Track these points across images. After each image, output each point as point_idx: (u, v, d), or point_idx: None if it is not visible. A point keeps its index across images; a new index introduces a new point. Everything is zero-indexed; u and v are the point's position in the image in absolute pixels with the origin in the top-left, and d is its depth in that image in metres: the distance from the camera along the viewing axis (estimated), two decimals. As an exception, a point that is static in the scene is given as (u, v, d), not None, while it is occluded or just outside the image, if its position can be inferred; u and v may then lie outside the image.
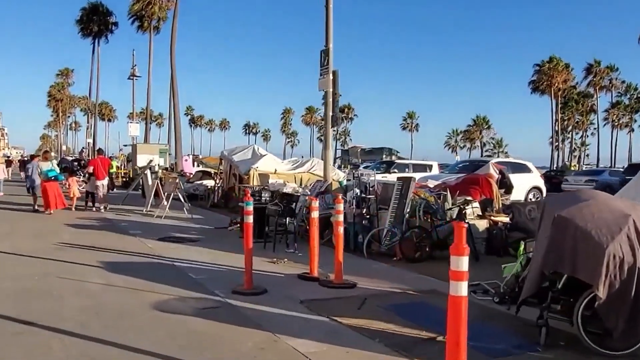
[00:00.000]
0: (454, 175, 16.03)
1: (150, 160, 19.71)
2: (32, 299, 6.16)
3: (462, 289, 3.26)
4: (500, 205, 10.75)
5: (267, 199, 11.09)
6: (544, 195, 19.31)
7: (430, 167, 23.22)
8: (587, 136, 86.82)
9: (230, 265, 8.35)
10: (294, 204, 10.74)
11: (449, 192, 10.25)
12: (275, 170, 16.27)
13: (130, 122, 42.49)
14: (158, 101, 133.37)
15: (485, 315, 5.89)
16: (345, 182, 15.22)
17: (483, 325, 5.58)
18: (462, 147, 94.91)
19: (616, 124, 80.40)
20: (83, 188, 17.76)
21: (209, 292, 6.58)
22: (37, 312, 5.55)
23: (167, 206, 15.08)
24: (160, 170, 18.75)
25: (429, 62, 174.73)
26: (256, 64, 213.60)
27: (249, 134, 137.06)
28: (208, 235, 11.68)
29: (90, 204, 16.95)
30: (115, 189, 23.90)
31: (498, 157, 60.24)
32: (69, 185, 17.93)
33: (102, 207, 16.53)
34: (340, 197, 7.57)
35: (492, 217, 10.00)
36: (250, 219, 6.72)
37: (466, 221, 9.34)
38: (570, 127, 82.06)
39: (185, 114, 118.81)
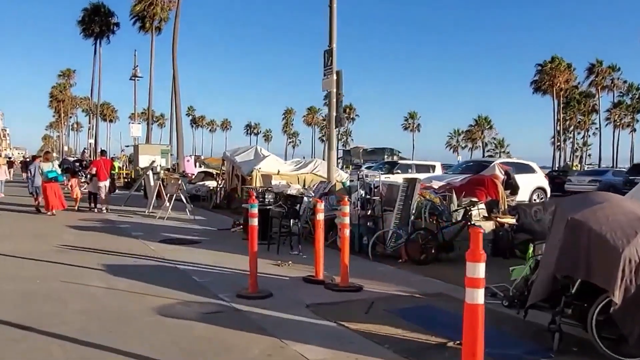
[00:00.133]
0: (458, 176, 15.91)
1: (153, 161, 19.66)
2: (33, 302, 6.05)
3: (478, 296, 3.14)
4: (506, 207, 10.63)
5: (271, 200, 10.97)
6: (549, 195, 19.20)
7: (434, 167, 23.08)
8: (589, 136, 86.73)
9: (234, 267, 8.24)
10: (298, 205, 10.62)
11: (454, 193, 10.13)
12: (278, 171, 16.16)
13: (132, 123, 42.42)
14: (159, 102, 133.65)
15: (494, 319, 5.76)
16: (348, 183, 15.13)
17: (493, 329, 5.47)
18: (464, 148, 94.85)
19: (618, 123, 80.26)
20: (85, 189, 17.66)
21: (213, 295, 6.47)
22: (37, 316, 5.44)
23: (170, 207, 14.97)
24: (162, 171, 18.66)
25: (431, 62, 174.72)
26: (257, 64, 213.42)
27: (251, 134, 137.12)
28: (211, 237, 11.58)
29: (92, 205, 16.88)
30: (117, 190, 23.78)
31: (500, 157, 60.15)
32: (71, 186, 17.88)
33: (103, 208, 16.47)
34: (346, 199, 7.44)
35: (498, 219, 9.88)
36: (255, 222, 6.60)
37: (472, 222, 9.26)
38: (572, 127, 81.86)
39: (186, 114, 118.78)
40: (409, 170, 21.57)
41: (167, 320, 5.43)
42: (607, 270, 4.39)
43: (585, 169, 54.81)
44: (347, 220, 7.16)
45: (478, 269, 3.13)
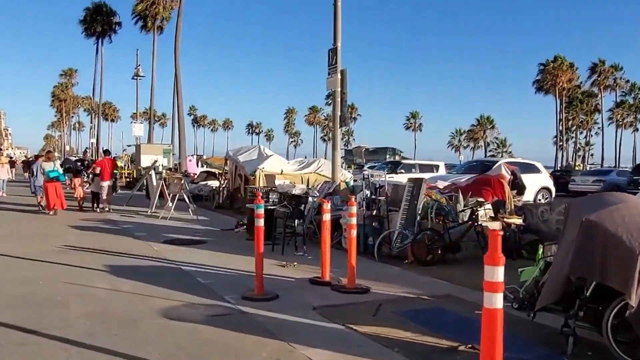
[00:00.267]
0: (462, 176, 15.82)
1: (155, 161, 19.58)
2: (36, 304, 5.96)
3: (497, 300, 3.04)
4: (513, 207, 10.52)
5: (275, 200, 10.88)
6: (554, 196, 19.09)
7: (437, 167, 22.98)
8: (591, 136, 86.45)
9: (239, 269, 8.15)
10: (303, 205, 10.52)
11: (460, 194, 10.03)
12: (282, 171, 16.05)
13: (134, 122, 42.36)
14: (161, 101, 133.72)
15: (505, 322, 5.66)
16: (352, 183, 15.04)
17: (504, 333, 5.37)
18: (466, 147, 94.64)
19: (620, 123, 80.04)
20: (87, 188, 17.59)
21: (218, 297, 6.37)
22: (41, 319, 5.35)
23: (172, 207, 14.88)
24: (164, 171, 18.58)
25: (433, 62, 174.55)
26: (259, 64, 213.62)
27: (252, 133, 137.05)
28: (214, 238, 11.50)
29: (94, 204, 16.82)
30: (119, 190, 23.73)
31: (502, 157, 60.02)
32: (74, 185, 17.85)
33: (106, 208, 16.42)
34: (353, 199, 7.34)
35: (505, 219, 9.76)
36: (261, 223, 6.50)
37: (478, 223, 9.16)
38: (574, 127, 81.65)
39: (188, 113, 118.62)
40: (413, 170, 21.47)
41: (173, 323, 5.33)
42: (623, 273, 4.29)
43: (588, 168, 54.68)
44: (354, 220, 7.05)
45: (497, 273, 3.03)
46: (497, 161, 17.88)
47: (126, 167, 34.14)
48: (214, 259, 8.87)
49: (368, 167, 31.27)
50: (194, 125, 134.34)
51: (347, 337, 5.03)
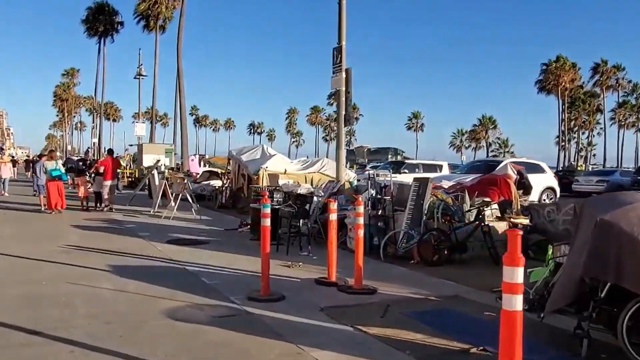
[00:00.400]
0: (467, 176, 15.72)
1: (158, 160, 19.50)
2: (40, 305, 5.88)
3: (517, 302, 2.95)
4: (519, 207, 10.43)
5: (280, 200, 10.80)
6: (558, 195, 18.98)
7: (441, 167, 22.88)
8: (594, 136, 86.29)
9: (243, 269, 8.07)
10: (308, 205, 10.44)
11: (466, 193, 9.94)
12: (285, 171, 15.97)
13: (136, 122, 42.29)
14: (162, 101, 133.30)
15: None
16: (355, 183, 14.96)
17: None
18: (467, 147, 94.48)
19: (623, 123, 79.98)
20: (90, 188, 17.54)
21: (224, 298, 6.29)
22: (45, 320, 5.27)
23: (175, 207, 14.81)
24: (166, 171, 18.52)
25: (435, 62, 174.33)
26: (261, 64, 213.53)
27: (254, 133, 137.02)
28: (218, 237, 11.42)
29: (97, 204, 16.78)
30: (122, 190, 23.68)
31: (504, 157, 59.86)
32: (77, 185, 17.83)
33: (107, 208, 16.37)
34: (360, 198, 7.26)
35: (512, 219, 9.67)
36: (267, 222, 6.42)
37: (485, 223, 9.07)
38: (576, 127, 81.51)
39: (190, 113, 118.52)
40: (416, 170, 21.36)
41: (179, 324, 5.24)
42: (639, 274, 4.21)
43: (590, 169, 54.50)
44: (361, 220, 6.97)
45: (517, 273, 2.93)
46: (502, 161, 17.77)
47: (128, 167, 34.10)
48: (218, 259, 8.79)
49: (370, 167, 31.25)
50: (195, 125, 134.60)
51: (356, 339, 4.95)
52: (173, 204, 15.00)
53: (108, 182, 16.45)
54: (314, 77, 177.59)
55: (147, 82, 46.56)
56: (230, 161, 19.65)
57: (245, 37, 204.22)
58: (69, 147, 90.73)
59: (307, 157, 29.22)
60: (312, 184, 14.81)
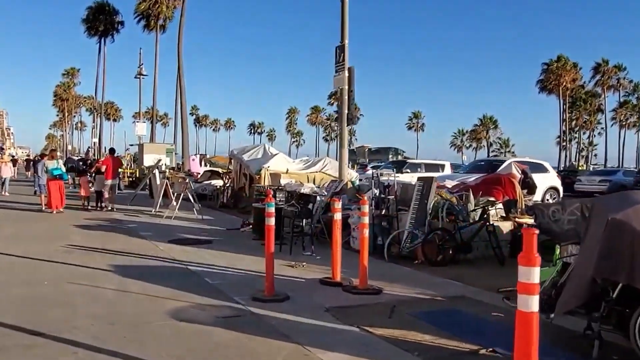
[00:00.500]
0: (470, 175, 15.64)
1: (159, 160, 19.44)
2: (42, 306, 5.80)
3: (533, 303, 2.88)
4: (524, 206, 10.36)
5: (282, 199, 10.73)
6: (561, 195, 18.91)
7: (443, 166, 22.79)
8: (595, 136, 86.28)
9: (247, 269, 8.01)
10: (311, 204, 10.37)
11: (471, 193, 9.87)
12: (287, 170, 15.89)
13: (137, 122, 42.21)
14: (163, 101, 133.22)
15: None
16: (357, 182, 14.89)
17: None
18: (468, 147, 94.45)
19: (624, 123, 79.93)
20: (91, 187, 17.49)
21: (228, 298, 6.22)
22: (48, 321, 5.20)
23: (177, 207, 14.75)
24: (167, 170, 18.46)
25: (435, 61, 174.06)
26: (261, 64, 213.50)
27: (254, 133, 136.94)
28: (220, 237, 11.35)
29: (98, 203, 16.73)
30: (123, 189, 23.62)
31: (505, 156, 59.77)
32: (80, 184, 17.81)
33: (109, 207, 16.32)
34: (365, 198, 7.19)
35: (517, 219, 9.62)
36: (272, 222, 6.34)
37: (490, 223, 9.00)
38: (577, 127, 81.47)
39: (190, 113, 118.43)
40: (418, 170, 21.28)
41: (184, 325, 5.17)
42: (653, 274, 4.14)
43: (591, 169, 54.42)
44: (367, 220, 6.91)
45: (533, 274, 2.87)
46: (505, 160, 17.72)
47: (128, 167, 34.04)
48: (221, 259, 8.73)
49: (371, 167, 31.16)
50: (196, 125, 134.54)
51: (364, 340, 4.88)
52: (175, 203, 14.95)
53: (109, 182, 16.40)
54: (315, 77, 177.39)
55: (147, 82, 46.55)
56: (232, 161, 19.58)
57: (246, 36, 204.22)
58: (69, 147, 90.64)
59: (308, 156, 29.13)
60: (314, 184, 14.74)
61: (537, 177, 16.12)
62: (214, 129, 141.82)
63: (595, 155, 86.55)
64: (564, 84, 67.57)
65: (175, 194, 15.27)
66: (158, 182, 17.39)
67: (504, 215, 9.79)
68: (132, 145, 41.99)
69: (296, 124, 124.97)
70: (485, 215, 9.08)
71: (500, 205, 9.81)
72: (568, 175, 26.47)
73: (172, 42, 36.39)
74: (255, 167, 16.22)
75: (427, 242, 8.78)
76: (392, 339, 4.87)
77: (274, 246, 6.52)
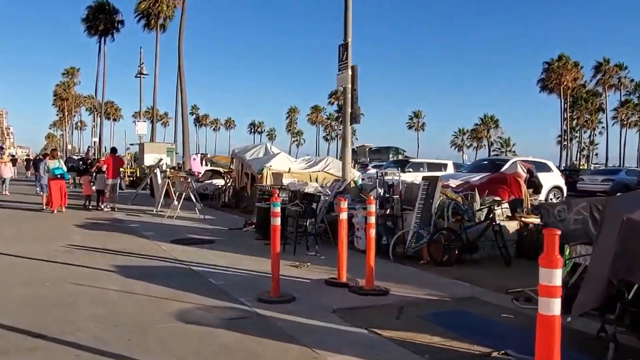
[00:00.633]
0: (474, 175, 15.54)
1: (160, 159, 19.36)
2: (44, 307, 5.71)
3: (554, 306, 2.78)
4: (529, 206, 10.27)
5: (285, 199, 10.64)
6: (565, 194, 18.81)
7: (445, 166, 22.66)
8: (595, 135, 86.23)
9: (251, 269, 7.91)
10: (315, 204, 10.27)
11: (477, 192, 9.78)
12: (289, 170, 15.78)
13: (138, 121, 42.07)
14: (163, 101, 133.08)
15: (533, 325, 5.41)
16: (360, 182, 14.78)
17: (534, 336, 5.13)
18: (469, 147, 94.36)
19: (625, 122, 79.85)
20: (93, 187, 17.41)
21: (233, 299, 6.12)
22: (50, 323, 5.10)
23: (179, 206, 14.65)
24: (168, 170, 18.38)
25: (436, 61, 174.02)
26: (261, 63, 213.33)
27: (254, 133, 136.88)
28: (223, 237, 11.25)
29: (99, 203, 16.63)
30: (125, 188, 23.52)
31: (506, 156, 59.67)
32: (82, 183, 17.74)
33: (109, 207, 16.22)
34: (371, 197, 7.09)
35: (523, 218, 9.52)
36: (277, 222, 6.24)
37: (497, 222, 8.91)
38: (578, 126, 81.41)
39: (190, 113, 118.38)
40: (421, 169, 21.16)
41: (189, 327, 5.07)
42: (670, 275, 4.04)
43: (592, 168, 54.34)
44: (373, 219, 6.80)
45: (554, 276, 2.77)
46: (508, 160, 17.60)
47: (129, 167, 33.95)
48: (224, 259, 8.63)
49: (372, 166, 31.06)
50: (196, 125, 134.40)
51: (372, 342, 4.78)
52: (176, 203, 14.85)
53: (109, 181, 16.31)
54: (315, 76, 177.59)
55: (147, 81, 46.45)
56: (234, 160, 19.49)
57: (246, 36, 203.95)
58: (69, 147, 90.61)
59: (308, 155, 29.02)
60: (316, 183, 14.64)
61: (540, 177, 16.05)
62: (214, 129, 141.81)
63: (596, 154, 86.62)
64: (565, 83, 67.48)
65: (177, 194, 15.17)
66: (159, 181, 17.30)
67: (510, 214, 9.69)
68: (132, 144, 41.98)
69: (296, 123, 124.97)
70: (491, 215, 8.99)
71: (506, 205, 9.72)
72: (570, 174, 26.36)
73: (172, 41, 36.33)
74: (257, 166, 16.11)
75: (433, 242, 8.67)
76: (401, 341, 4.78)
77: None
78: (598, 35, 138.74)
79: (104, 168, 16.41)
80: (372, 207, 6.84)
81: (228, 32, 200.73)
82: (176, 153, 34.39)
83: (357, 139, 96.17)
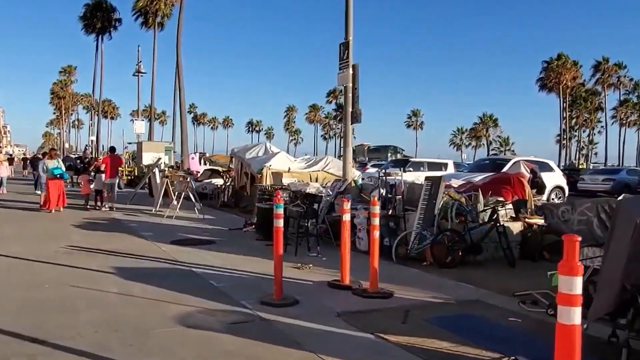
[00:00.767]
0: (476, 174, 15.44)
1: (159, 159, 19.23)
2: (43, 311, 5.59)
3: (575, 315, 2.67)
4: (533, 206, 10.17)
5: (286, 199, 10.53)
6: (567, 194, 18.72)
7: (446, 165, 22.53)
8: (595, 134, 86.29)
9: (252, 270, 7.80)
10: (316, 205, 10.16)
11: (480, 193, 9.67)
12: (289, 169, 15.67)
13: (136, 120, 41.91)
14: (160, 99, 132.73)
15: (543, 329, 5.34)
16: (360, 181, 14.67)
17: (545, 341, 5.03)
18: (467, 146, 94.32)
19: (624, 121, 79.94)
20: (92, 186, 17.28)
21: (235, 302, 6.00)
22: (50, 327, 4.98)
23: (178, 206, 14.53)
24: (167, 169, 18.24)
25: (434, 59, 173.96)
26: (259, 62, 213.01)
27: (252, 131, 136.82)
28: (223, 237, 11.13)
29: (98, 203, 16.50)
30: (123, 187, 23.40)
31: (504, 155, 59.61)
32: (82, 183, 17.63)
33: (108, 206, 16.10)
34: (375, 198, 6.98)
35: (527, 219, 9.43)
36: (280, 223, 6.12)
37: (500, 223, 8.81)
38: (577, 125, 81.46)
39: (188, 111, 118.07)
40: (421, 168, 21.06)
41: (191, 331, 4.96)
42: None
43: (591, 167, 54.32)
44: (377, 221, 6.70)
45: (575, 284, 2.66)
46: (510, 159, 17.49)
47: (127, 165, 33.79)
48: (225, 260, 8.52)
49: (371, 165, 30.94)
50: (193, 123, 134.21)
51: (379, 348, 4.68)
52: (175, 202, 14.73)
53: (107, 180, 16.19)
54: (313, 75, 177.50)
55: (144, 80, 46.28)
56: (233, 159, 19.37)
57: (244, 34, 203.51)
58: (67, 145, 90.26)
59: (306, 154, 28.89)
60: (316, 183, 14.52)
61: (543, 177, 15.97)
62: (211, 127, 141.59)
63: (596, 153, 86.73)
64: (564, 82, 67.48)
65: (177, 193, 15.05)
66: (158, 181, 17.17)
67: (514, 215, 9.59)
68: (130, 143, 41.74)
69: (294, 122, 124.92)
70: (495, 216, 8.89)
71: (510, 206, 9.62)
72: (570, 174, 26.26)
73: (171, 40, 36.23)
74: (257, 166, 15.99)
75: (436, 243, 8.58)
76: (409, 347, 4.67)
77: (280, 247, 6.31)
78: (597, 34, 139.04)
79: (103, 167, 16.28)
80: (376, 209, 6.74)
81: (225, 31, 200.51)
82: (174, 152, 34.24)
83: (355, 137, 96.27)
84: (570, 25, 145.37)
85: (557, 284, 6.10)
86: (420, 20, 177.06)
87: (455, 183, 12.44)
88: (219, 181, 20.48)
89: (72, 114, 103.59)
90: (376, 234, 6.64)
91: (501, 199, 9.76)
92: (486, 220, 9.09)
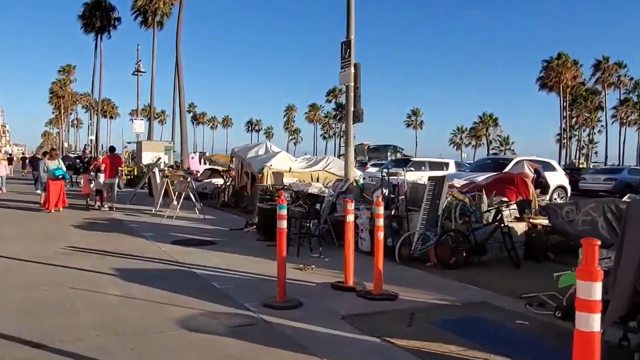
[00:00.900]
0: (478, 174, 15.35)
1: (159, 158, 19.13)
2: (42, 313, 5.49)
3: (594, 322, 2.57)
4: (537, 206, 10.07)
5: (288, 199, 10.42)
6: (569, 194, 18.61)
7: (447, 165, 22.38)
8: (595, 133, 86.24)
9: (254, 272, 7.70)
10: (319, 205, 10.05)
11: (484, 193, 9.57)
12: (290, 169, 15.55)
13: (135, 119, 41.78)
14: (159, 98, 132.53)
15: (550, 332, 5.26)
16: (362, 181, 14.59)
17: (552, 344, 4.95)
18: (467, 145, 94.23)
19: (624, 121, 79.88)
20: (93, 186, 17.18)
21: (237, 305, 5.90)
22: (49, 330, 4.89)
23: (178, 206, 14.43)
24: (166, 169, 18.14)
25: (434, 59, 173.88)
26: (259, 61, 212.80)
27: (252, 131, 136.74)
28: (224, 238, 11.03)
29: (99, 203, 16.41)
30: (123, 187, 23.29)
31: (504, 154, 59.56)
32: (82, 183, 17.56)
33: (107, 206, 16.01)
34: (379, 199, 6.88)
35: (531, 220, 9.33)
36: (283, 224, 6.03)
37: (504, 224, 8.71)
38: (578, 125, 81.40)
39: (187, 111, 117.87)
40: (422, 168, 20.92)
41: (194, 335, 4.86)
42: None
43: (592, 166, 54.24)
44: (381, 222, 6.60)
45: (594, 289, 2.56)
46: (512, 159, 17.38)
47: (126, 165, 33.68)
48: (226, 261, 8.42)
49: (371, 165, 30.83)
50: (193, 123, 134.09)
51: (386, 352, 4.58)
52: (176, 202, 14.63)
53: (107, 180, 16.09)
54: (313, 75, 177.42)
55: (143, 79, 46.19)
56: (233, 159, 19.26)
57: (243, 33, 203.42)
58: (66, 145, 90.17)
59: (306, 153, 28.78)
60: (317, 182, 14.42)
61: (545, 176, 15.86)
62: (211, 127, 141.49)
63: (596, 152, 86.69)
64: (565, 81, 67.40)
65: (177, 193, 14.94)
66: (158, 180, 17.06)
67: (518, 216, 9.49)
68: (129, 142, 41.63)
69: (294, 121, 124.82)
70: (500, 216, 8.79)
71: (514, 206, 9.52)
72: (571, 173, 26.14)
73: (169, 39, 36.18)
74: (258, 165, 15.87)
75: (440, 243, 8.47)
76: (416, 350, 4.58)
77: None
78: (597, 33, 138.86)
79: (102, 167, 16.18)
80: (381, 209, 6.64)
81: (225, 31, 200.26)
82: (174, 151, 34.15)
83: (354, 137, 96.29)
84: (570, 24, 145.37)
85: (564, 286, 6.06)
86: (420, 20, 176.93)
87: (458, 183, 12.34)
88: (219, 181, 20.37)
89: (71, 113, 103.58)
90: (381, 235, 6.54)
91: (505, 199, 9.65)
92: (490, 220, 8.99)
